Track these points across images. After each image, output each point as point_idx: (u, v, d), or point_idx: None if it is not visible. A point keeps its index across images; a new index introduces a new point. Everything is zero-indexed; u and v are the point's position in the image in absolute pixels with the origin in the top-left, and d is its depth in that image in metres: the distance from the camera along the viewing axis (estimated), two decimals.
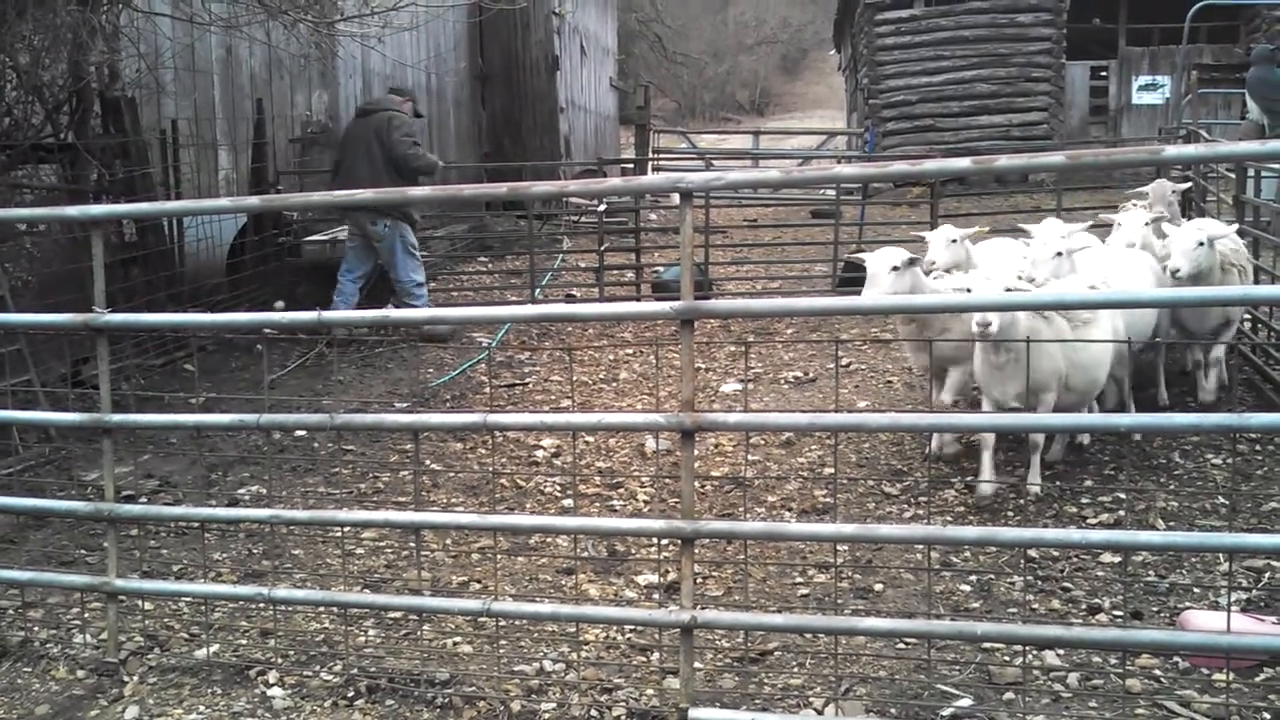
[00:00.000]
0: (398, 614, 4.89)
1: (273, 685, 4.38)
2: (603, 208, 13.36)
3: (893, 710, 4.02)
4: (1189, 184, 8.32)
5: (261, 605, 4.80)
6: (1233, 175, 8.97)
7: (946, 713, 3.98)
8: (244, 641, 4.78)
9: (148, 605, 5.05)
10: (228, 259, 11.11)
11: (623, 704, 4.12)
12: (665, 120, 41.51)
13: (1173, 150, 3.76)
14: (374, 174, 9.82)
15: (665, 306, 3.85)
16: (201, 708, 4.26)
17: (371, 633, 4.82)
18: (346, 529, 5.70)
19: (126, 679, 4.47)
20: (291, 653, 4.62)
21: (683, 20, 49.09)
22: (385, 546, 5.70)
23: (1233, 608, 4.57)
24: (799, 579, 5.23)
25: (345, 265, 10.42)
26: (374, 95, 14.02)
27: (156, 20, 9.98)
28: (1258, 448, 6.59)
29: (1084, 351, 5.94)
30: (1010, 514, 5.77)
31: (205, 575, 5.41)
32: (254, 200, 5.23)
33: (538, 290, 12.12)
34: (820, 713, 4.00)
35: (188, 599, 5.09)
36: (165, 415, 5.04)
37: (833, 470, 6.40)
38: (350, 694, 4.29)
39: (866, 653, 4.46)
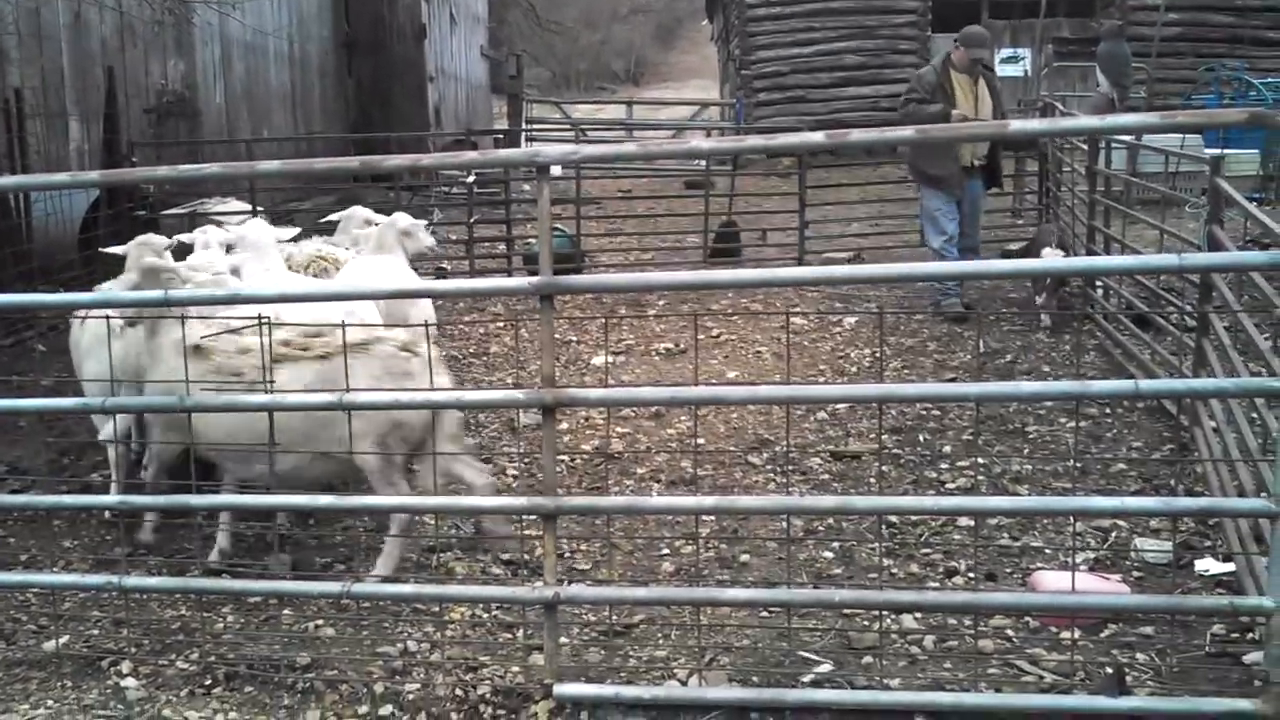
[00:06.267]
0: (257, 599, 4.79)
1: (126, 676, 4.25)
2: (471, 179, 13.19)
3: (755, 678, 4.07)
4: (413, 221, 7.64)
5: (114, 594, 4.65)
6: (1085, 147, 9.26)
7: (807, 679, 4.05)
8: (95, 632, 4.63)
9: None
10: (80, 234, 10.68)
11: (488, 682, 4.10)
12: (539, 90, 41.18)
13: (1017, 124, 3.85)
14: None
15: (524, 282, 3.83)
16: (50, 702, 4.11)
17: (230, 619, 4.71)
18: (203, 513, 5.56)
19: None
20: (146, 642, 4.48)
21: None
22: (245, 530, 5.56)
23: (1081, 567, 4.75)
24: (666, 551, 5.27)
25: None
26: (233, 64, 13.57)
27: None
28: (1108, 410, 6.82)
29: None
30: (872, 481, 5.89)
31: (54, 564, 5.23)
32: (93, 175, 5.02)
33: None
34: (684, 683, 4.03)
35: (35, 589, 4.91)
36: (4, 400, 4.83)
37: (702, 441, 6.47)
38: (208, 682, 4.19)
39: (730, 623, 4.51)
